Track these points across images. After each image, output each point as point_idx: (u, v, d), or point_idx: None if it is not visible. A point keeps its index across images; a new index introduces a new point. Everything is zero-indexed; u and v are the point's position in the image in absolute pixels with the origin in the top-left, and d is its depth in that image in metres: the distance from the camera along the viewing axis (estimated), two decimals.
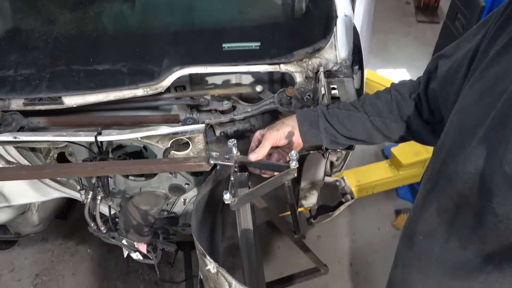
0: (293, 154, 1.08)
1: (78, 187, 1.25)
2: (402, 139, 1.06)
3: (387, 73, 3.74)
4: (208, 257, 1.04)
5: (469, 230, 0.70)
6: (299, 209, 2.19)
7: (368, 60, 1.66)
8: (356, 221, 2.71)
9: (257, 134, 1.10)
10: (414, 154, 2.35)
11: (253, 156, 1.04)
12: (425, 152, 2.38)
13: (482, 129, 0.65)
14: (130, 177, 1.53)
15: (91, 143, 1.26)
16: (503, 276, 0.67)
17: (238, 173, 1.12)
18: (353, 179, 2.34)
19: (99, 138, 1.08)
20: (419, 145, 2.43)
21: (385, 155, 2.98)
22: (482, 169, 0.65)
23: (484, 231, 0.67)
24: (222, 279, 1.01)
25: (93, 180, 1.20)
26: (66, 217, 2.54)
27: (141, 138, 1.13)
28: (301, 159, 1.69)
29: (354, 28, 1.44)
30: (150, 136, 1.14)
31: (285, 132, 1.06)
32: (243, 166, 1.16)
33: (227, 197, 1.00)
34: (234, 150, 1.11)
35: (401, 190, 2.76)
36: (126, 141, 1.25)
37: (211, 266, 1.03)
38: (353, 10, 1.54)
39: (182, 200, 1.66)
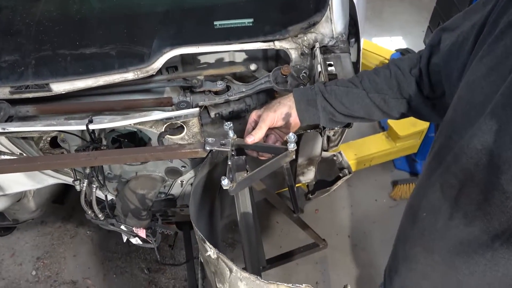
0: (291, 136, 1.05)
1: (72, 178, 1.22)
2: (402, 116, 1.04)
3: (383, 42, 3.68)
4: (207, 243, 1.03)
5: (474, 206, 0.70)
6: (297, 185, 2.19)
7: (364, 29, 1.61)
8: (354, 193, 2.72)
9: (253, 115, 1.07)
10: (411, 125, 2.34)
11: (250, 139, 1.02)
12: (422, 122, 2.36)
13: (491, 104, 0.64)
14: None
15: (83, 131, 1.23)
16: (511, 252, 0.67)
17: (235, 157, 1.10)
18: (350, 152, 2.33)
19: (91, 126, 1.04)
20: None
21: (382, 126, 2.97)
22: (490, 145, 0.64)
23: (490, 207, 0.67)
24: (223, 265, 1.01)
25: (87, 170, 1.17)
26: (63, 201, 2.54)
27: (134, 124, 1.10)
28: (298, 137, 1.66)
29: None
30: (143, 122, 1.10)
31: (282, 113, 1.04)
32: (240, 149, 1.13)
33: (225, 182, 0.98)
34: (231, 134, 1.08)
35: (397, 161, 2.76)
36: (119, 127, 1.22)
37: (211, 252, 1.02)
38: None
39: (179, 182, 1.65)
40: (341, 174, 2.06)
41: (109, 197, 1.40)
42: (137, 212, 1.51)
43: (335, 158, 2.08)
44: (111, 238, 2.53)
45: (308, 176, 2.06)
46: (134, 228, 1.33)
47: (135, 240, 1.39)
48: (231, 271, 0.99)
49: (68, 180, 1.57)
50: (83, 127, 1.04)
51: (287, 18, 1.28)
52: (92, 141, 1.12)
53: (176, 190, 1.70)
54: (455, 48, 0.83)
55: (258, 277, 0.93)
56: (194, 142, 1.17)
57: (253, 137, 1.02)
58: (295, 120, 1.06)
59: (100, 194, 1.46)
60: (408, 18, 3.92)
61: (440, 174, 0.79)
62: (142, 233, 1.33)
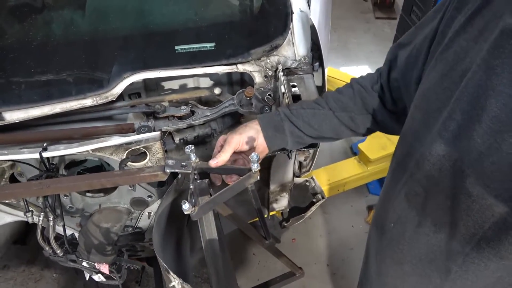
0: (254, 156, 1.02)
1: (25, 210, 1.14)
2: (369, 131, 1.05)
3: (350, 70, 3.77)
4: (171, 273, 0.97)
5: (441, 212, 0.70)
6: (271, 213, 2.14)
7: (330, 58, 1.64)
8: (330, 221, 2.69)
9: (220, 139, 1.04)
10: (381, 148, 2.36)
11: (213, 162, 0.98)
12: (391, 145, 2.39)
13: (447, 110, 0.65)
14: (87, 194, 1.43)
15: (40, 161, 1.17)
16: (481, 257, 0.66)
17: (198, 181, 1.06)
18: (323, 178, 2.32)
19: (45, 154, 0.99)
20: (385, 139, 2.44)
21: (354, 152, 2.98)
22: (451, 150, 0.64)
23: (457, 213, 0.66)
24: None
25: (40, 201, 1.11)
26: (25, 241, 2.39)
27: (92, 151, 1.05)
28: (268, 162, 1.64)
29: (312, 25, 1.41)
30: (102, 148, 1.06)
31: (248, 136, 1.01)
32: (204, 173, 1.10)
33: (186, 206, 0.94)
34: (193, 157, 1.04)
35: (371, 185, 2.76)
36: (77, 155, 1.16)
37: (176, 282, 0.97)
38: (309, 6, 1.51)
39: (147, 213, 1.58)
40: (314, 200, 2.03)
41: (70, 231, 1.32)
42: (101, 248, 1.43)
43: (307, 183, 2.06)
44: (79, 280, 2.39)
45: (282, 203, 2.02)
46: (96, 264, 1.25)
47: (97, 277, 1.30)
48: None
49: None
50: (36, 155, 0.99)
51: (249, 41, 1.29)
52: (47, 170, 1.06)
53: (143, 222, 1.63)
54: (410, 61, 0.85)
55: None
56: (153, 165, 1.13)
57: (217, 160, 0.98)
58: (262, 144, 1.04)
59: (61, 230, 1.38)
60: (372, 48, 4.05)
61: (404, 182, 0.79)
62: (105, 268, 1.25)
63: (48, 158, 1.02)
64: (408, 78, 0.85)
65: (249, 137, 1.01)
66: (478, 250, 0.66)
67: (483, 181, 0.60)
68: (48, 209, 1.10)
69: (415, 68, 0.81)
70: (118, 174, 0.92)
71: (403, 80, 0.89)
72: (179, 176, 1.28)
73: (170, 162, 0.97)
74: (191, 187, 1.01)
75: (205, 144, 1.36)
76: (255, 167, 1.03)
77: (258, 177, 1.07)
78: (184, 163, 0.98)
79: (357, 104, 1.00)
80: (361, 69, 3.83)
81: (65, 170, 1.32)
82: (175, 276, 0.94)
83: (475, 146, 0.60)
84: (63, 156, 1.21)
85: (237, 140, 0.99)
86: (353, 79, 1.05)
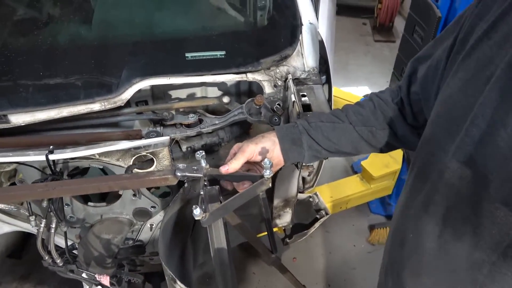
0: (267, 162, 1.00)
1: (27, 214, 1.11)
2: (389, 147, 1.03)
3: (350, 91, 3.80)
4: (178, 282, 0.93)
5: (462, 221, 0.68)
6: (274, 229, 2.10)
7: (333, 72, 1.65)
8: (332, 240, 2.64)
9: (235, 146, 1.01)
10: (384, 166, 2.34)
11: (224, 169, 0.95)
12: (394, 163, 2.38)
13: (470, 116, 0.63)
14: (89, 203, 1.40)
15: (44, 167, 1.14)
16: (508, 266, 0.63)
17: (208, 187, 1.03)
18: (326, 194, 2.29)
19: (51, 157, 0.96)
20: (388, 157, 2.43)
21: (355, 171, 2.97)
22: (473, 156, 0.63)
23: (480, 220, 0.64)
24: None
25: (44, 204, 1.07)
26: (20, 256, 2.33)
27: (99, 155, 1.03)
28: (273, 175, 1.61)
29: (320, 39, 1.42)
30: (109, 152, 1.03)
31: (264, 147, 0.98)
32: (214, 180, 1.07)
33: (197, 212, 0.91)
34: (203, 162, 1.02)
35: (373, 204, 2.73)
36: (82, 161, 1.13)
37: None
38: (317, 20, 1.52)
39: (149, 225, 1.54)
40: (318, 216, 2.00)
41: (70, 242, 1.28)
42: (101, 260, 1.38)
43: (311, 199, 2.03)
44: None
45: (285, 219, 1.99)
46: (97, 276, 1.20)
47: None
48: None
49: (25, 226, 1.43)
50: (43, 158, 0.96)
51: (259, 51, 1.28)
52: (52, 173, 1.02)
53: (145, 235, 1.59)
54: (429, 73, 0.85)
55: None
56: (163, 169, 1.10)
57: (228, 167, 0.95)
58: (278, 157, 1.01)
59: (60, 241, 1.34)
60: (372, 70, 4.10)
61: (425, 192, 0.77)
62: (106, 280, 1.20)
63: (54, 161, 0.99)
64: (428, 90, 0.85)
65: (264, 148, 0.98)
66: (505, 259, 0.63)
67: (508, 186, 0.58)
68: (53, 212, 1.06)
69: (435, 79, 0.81)
70: (126, 177, 0.89)
71: (424, 93, 0.88)
72: (186, 185, 1.25)
73: (180, 166, 0.94)
74: (202, 193, 0.99)
75: (212, 153, 1.33)
76: (268, 173, 1.00)
77: (270, 184, 1.05)
78: (196, 167, 0.95)
79: (378, 119, 0.98)
80: (361, 90, 3.86)
81: (68, 177, 1.29)
82: (181, 285, 0.90)
83: (500, 151, 0.59)
84: (67, 162, 1.18)
85: (251, 150, 0.96)
86: (372, 93, 1.04)
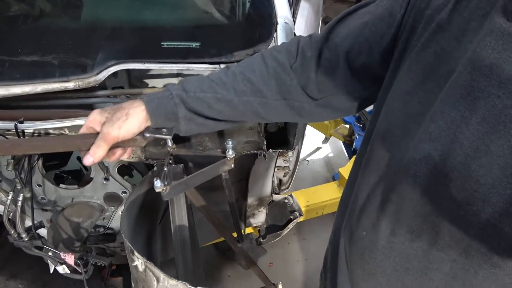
0: (229, 142, 1.04)
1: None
2: (279, 118, 0.95)
3: None
4: (136, 253, 0.95)
5: (420, 220, 0.66)
6: (248, 230, 2.12)
7: None
8: (308, 247, 2.66)
9: (92, 120, 0.84)
10: None
11: (88, 160, 0.82)
12: None
13: (430, 113, 0.62)
14: (61, 185, 1.42)
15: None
16: (470, 263, 0.62)
17: (173, 165, 1.06)
18: (302, 200, 2.32)
19: (20, 126, 0.99)
20: None
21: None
22: (431, 153, 0.61)
23: (439, 219, 0.63)
24: (150, 275, 0.93)
25: (10, 168, 1.09)
26: None
27: (68, 129, 1.06)
28: (247, 173, 1.65)
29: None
30: (79, 126, 1.06)
31: (129, 130, 0.83)
32: (179, 161, 1.11)
33: (157, 184, 0.94)
34: (169, 142, 1.05)
35: None
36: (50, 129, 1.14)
37: (139, 262, 0.95)
38: (294, 21, 1.59)
39: (120, 213, 1.56)
40: (292, 217, 2.03)
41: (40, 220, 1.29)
42: (70, 243, 1.39)
43: (286, 200, 2.06)
44: None
45: (259, 218, 2.00)
46: (62, 254, 1.21)
47: (62, 269, 1.26)
48: (158, 280, 0.91)
49: None
50: (11, 126, 0.99)
51: (234, 44, 1.33)
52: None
53: (116, 223, 1.60)
54: (360, 42, 0.78)
55: (187, 283, 0.86)
56: None
57: (92, 158, 0.82)
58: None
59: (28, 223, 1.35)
60: None
61: (378, 190, 0.74)
62: (70, 259, 1.22)
63: (23, 131, 1.02)
64: (355, 63, 0.79)
65: (130, 129, 0.83)
66: (467, 256, 0.62)
67: (470, 185, 0.57)
68: (18, 179, 1.08)
69: (369, 54, 0.76)
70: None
71: (347, 64, 0.80)
72: (155, 168, 1.28)
73: (150, 128, 0.93)
74: (165, 169, 1.02)
75: (184, 141, 1.37)
76: (230, 154, 1.04)
77: (232, 165, 1.08)
78: (165, 130, 0.93)
79: (271, 89, 0.85)
80: None
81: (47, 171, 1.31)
82: (139, 255, 0.92)
83: (461, 148, 0.57)
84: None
85: (114, 137, 0.82)
86: (265, 52, 0.89)
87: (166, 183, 0.99)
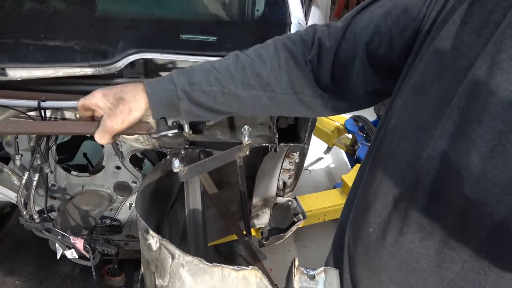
0: (246, 128, 1.07)
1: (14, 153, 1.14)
2: (289, 113, 0.96)
3: None
4: (151, 231, 0.96)
5: (431, 218, 0.64)
6: (251, 232, 2.12)
7: None
8: (308, 254, 2.66)
9: (93, 103, 0.86)
10: None
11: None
12: None
13: (447, 108, 0.59)
14: (72, 172, 1.44)
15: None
16: (481, 265, 0.61)
17: (189, 150, 1.09)
18: (304, 204, 2.32)
19: (43, 104, 1.02)
20: None
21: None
22: (446, 151, 0.59)
23: (451, 218, 0.61)
24: (165, 253, 0.94)
25: (32, 143, 1.11)
26: None
27: None
28: (254, 171, 1.67)
29: None
30: None
31: (131, 120, 0.84)
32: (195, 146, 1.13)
33: (176, 164, 0.96)
34: (186, 128, 1.08)
35: None
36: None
37: (154, 240, 0.96)
38: (306, 22, 1.64)
39: (128, 204, 1.57)
40: (295, 219, 2.04)
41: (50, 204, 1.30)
42: (77, 230, 1.41)
43: (290, 203, 2.08)
44: None
45: (263, 220, 2.01)
46: (71, 237, 1.22)
47: (70, 253, 1.26)
48: (173, 257, 0.92)
49: (6, 192, 1.45)
50: (35, 104, 1.01)
51: (249, 40, 1.37)
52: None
53: (123, 215, 1.61)
54: (382, 35, 0.74)
55: (202, 259, 0.87)
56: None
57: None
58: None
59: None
60: None
61: (386, 185, 0.72)
62: (80, 244, 1.22)
63: (45, 110, 1.04)
64: (374, 54, 0.76)
65: (133, 121, 0.85)
66: (477, 258, 0.60)
67: (484, 185, 0.55)
68: (39, 153, 1.10)
69: (390, 45, 0.73)
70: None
71: (366, 55, 0.77)
72: (168, 156, 1.30)
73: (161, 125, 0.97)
74: (182, 152, 1.04)
75: (197, 133, 1.39)
76: (246, 140, 1.07)
77: (247, 152, 1.11)
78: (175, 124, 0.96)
79: (282, 83, 0.82)
80: None
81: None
82: (154, 234, 0.93)
83: (475, 147, 0.55)
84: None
85: (117, 128, 0.84)
86: (278, 40, 0.85)
87: (183, 165, 1.02)
